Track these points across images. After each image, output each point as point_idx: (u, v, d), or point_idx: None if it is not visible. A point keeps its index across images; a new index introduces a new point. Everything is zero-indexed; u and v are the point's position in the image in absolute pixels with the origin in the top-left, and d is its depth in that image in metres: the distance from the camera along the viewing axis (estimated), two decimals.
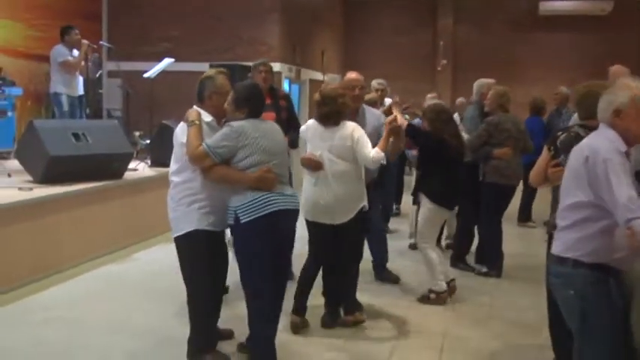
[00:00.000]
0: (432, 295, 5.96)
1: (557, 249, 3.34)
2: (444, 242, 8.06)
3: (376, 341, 5.07)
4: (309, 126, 5.22)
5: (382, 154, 4.90)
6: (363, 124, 5.27)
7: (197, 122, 4.26)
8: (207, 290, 4.42)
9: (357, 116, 5.45)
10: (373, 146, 4.93)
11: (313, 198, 5.03)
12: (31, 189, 6.67)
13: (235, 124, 4.18)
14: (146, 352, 4.74)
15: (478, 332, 5.31)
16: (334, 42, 17.79)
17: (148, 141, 9.95)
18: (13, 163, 8.20)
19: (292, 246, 4.52)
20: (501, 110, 6.87)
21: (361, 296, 5.56)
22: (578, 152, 3.29)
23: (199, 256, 4.36)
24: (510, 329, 5.41)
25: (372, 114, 5.73)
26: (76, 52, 9.16)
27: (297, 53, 14.04)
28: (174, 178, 4.44)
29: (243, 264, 4.17)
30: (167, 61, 9.77)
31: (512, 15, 18.08)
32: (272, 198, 4.10)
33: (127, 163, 8.04)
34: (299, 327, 5.13)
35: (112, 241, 7.48)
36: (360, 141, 4.94)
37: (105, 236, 7.35)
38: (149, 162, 9.31)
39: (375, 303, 5.87)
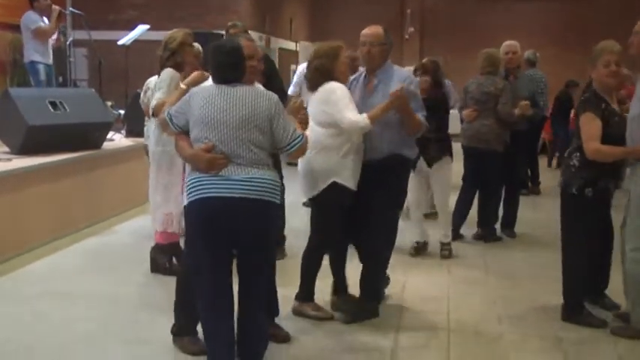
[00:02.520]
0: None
1: None
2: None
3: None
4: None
5: (367, 122, 4.30)
6: (382, 89, 4.57)
7: (184, 87, 3.97)
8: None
9: (374, 77, 4.67)
10: (388, 116, 4.44)
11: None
12: (10, 160, 6.44)
13: (193, 89, 3.78)
14: (142, 323, 4.63)
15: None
16: (302, 10, 17.62)
17: (121, 111, 9.74)
18: None
19: (249, 244, 3.60)
20: (481, 73, 6.82)
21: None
22: None
23: None
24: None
25: (399, 77, 4.63)
26: (46, 19, 8.82)
27: (267, 22, 13.84)
28: None
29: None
30: (142, 28, 9.53)
31: None
32: (204, 182, 3.47)
33: (106, 132, 7.83)
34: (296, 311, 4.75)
35: (93, 213, 7.28)
36: (336, 103, 4.34)
37: (86, 208, 7.16)
38: (124, 132, 9.09)
39: None
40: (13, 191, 6.07)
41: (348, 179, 4.47)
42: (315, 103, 4.49)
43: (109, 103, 9.88)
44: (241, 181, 3.44)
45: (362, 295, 4.80)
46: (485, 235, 6.93)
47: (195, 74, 4.15)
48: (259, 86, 3.94)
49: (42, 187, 6.46)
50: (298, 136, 3.68)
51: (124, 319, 4.67)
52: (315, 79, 4.51)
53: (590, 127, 4.37)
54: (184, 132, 3.63)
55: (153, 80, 6.00)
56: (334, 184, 4.44)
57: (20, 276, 5.61)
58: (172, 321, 4.18)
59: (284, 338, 4.26)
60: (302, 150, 3.77)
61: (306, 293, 4.73)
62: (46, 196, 6.51)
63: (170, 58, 5.25)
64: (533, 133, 8.89)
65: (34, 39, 8.66)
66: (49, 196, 6.56)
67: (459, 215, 6.96)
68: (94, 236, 6.93)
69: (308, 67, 4.61)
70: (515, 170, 7.12)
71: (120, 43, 9.52)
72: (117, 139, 8.56)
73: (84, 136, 7.32)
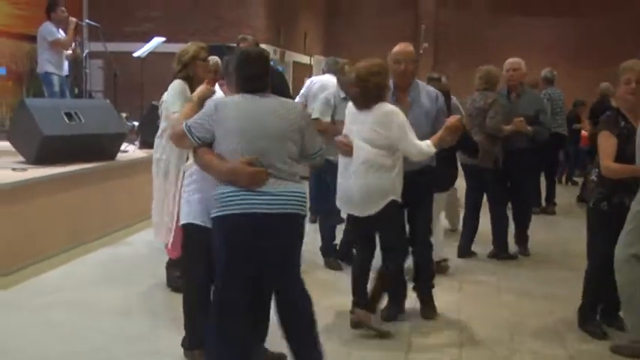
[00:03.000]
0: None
1: None
2: None
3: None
4: (349, 107, 4.69)
5: (433, 150, 4.47)
6: (416, 106, 4.77)
7: (196, 99, 3.82)
8: (198, 289, 3.78)
9: (407, 95, 4.81)
10: (422, 133, 4.53)
11: (343, 186, 4.64)
12: (25, 169, 6.48)
13: (217, 98, 3.61)
14: (154, 334, 4.64)
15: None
16: (317, 24, 17.69)
17: (136, 122, 9.80)
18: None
19: (281, 263, 3.55)
20: (476, 89, 6.79)
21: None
22: None
23: (194, 251, 3.82)
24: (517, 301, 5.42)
25: (428, 94, 4.89)
26: (62, 31, 8.89)
27: (282, 35, 13.91)
28: (189, 162, 3.85)
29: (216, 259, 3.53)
30: (157, 40, 9.59)
31: None
32: (241, 197, 3.32)
33: (120, 143, 7.88)
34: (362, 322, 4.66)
35: (106, 224, 7.32)
36: (401, 129, 4.40)
37: (99, 219, 7.19)
38: (137, 143, 9.15)
39: None
40: (28, 201, 6.11)
41: (399, 195, 4.59)
42: (368, 122, 4.47)
43: (124, 115, 9.94)
44: (281, 195, 3.36)
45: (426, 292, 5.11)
46: (497, 252, 6.90)
47: (203, 89, 3.96)
48: None
49: (56, 197, 6.50)
50: (322, 146, 3.76)
51: (135, 331, 4.68)
52: (373, 97, 4.47)
53: (606, 145, 4.51)
54: (205, 144, 3.49)
55: None
56: (392, 202, 4.52)
57: (33, 285, 5.64)
58: (183, 333, 4.18)
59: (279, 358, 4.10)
60: (322, 160, 3.84)
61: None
62: (60, 206, 6.55)
63: (182, 71, 5.21)
64: (546, 152, 8.50)
65: (49, 50, 8.71)
66: (62, 206, 6.60)
67: (465, 233, 6.94)
68: (107, 247, 6.96)
69: (364, 84, 4.48)
70: (518, 188, 6.97)
71: (135, 55, 9.59)
72: (131, 151, 8.61)
73: (98, 147, 7.37)
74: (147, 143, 8.84)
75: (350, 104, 4.68)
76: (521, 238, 7.12)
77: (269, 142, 3.39)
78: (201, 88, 3.92)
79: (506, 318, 5.16)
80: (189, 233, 3.85)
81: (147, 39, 10.43)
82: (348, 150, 4.55)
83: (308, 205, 3.56)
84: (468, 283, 6.04)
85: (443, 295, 5.61)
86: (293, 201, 3.38)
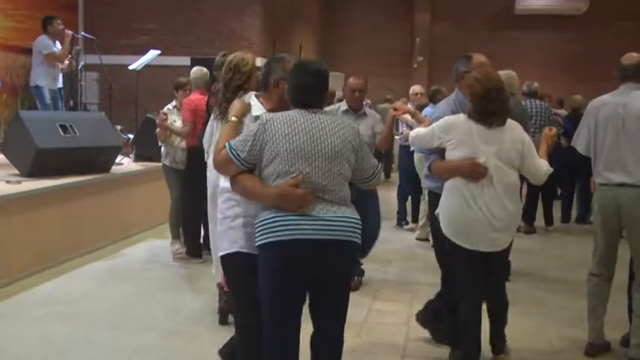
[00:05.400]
0: None
1: None
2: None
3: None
4: (455, 125, 3.96)
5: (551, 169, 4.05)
6: None
7: (235, 119, 3.26)
8: (253, 324, 3.26)
9: None
10: None
11: (472, 216, 3.89)
12: (19, 182, 6.47)
13: (266, 115, 3.14)
14: (150, 347, 4.62)
15: None
16: (312, 37, 17.74)
17: (130, 135, 9.80)
18: None
19: (328, 297, 3.19)
20: None
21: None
22: None
23: (246, 283, 3.26)
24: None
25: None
26: (58, 44, 8.88)
27: (277, 48, 13.94)
28: (221, 183, 3.36)
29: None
30: (153, 54, 9.61)
31: (488, 13, 18.27)
32: (291, 221, 3.00)
33: (115, 156, 7.87)
34: None
35: (100, 237, 7.30)
36: (530, 147, 3.97)
37: (93, 231, 7.18)
38: (132, 156, 9.14)
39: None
40: (22, 213, 6.09)
41: None
42: (507, 140, 3.92)
43: (119, 127, 9.93)
44: (335, 221, 3.05)
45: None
46: None
47: (240, 104, 3.40)
48: None
49: (50, 210, 6.48)
50: (378, 164, 3.38)
51: (129, 344, 4.65)
52: (509, 111, 3.98)
53: None
54: (249, 168, 3.14)
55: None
56: None
57: (27, 298, 5.61)
58: (176, 344, 4.15)
59: None
60: (377, 183, 3.46)
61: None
62: (54, 218, 6.53)
63: (247, 82, 4.72)
64: None
65: (43, 63, 8.67)
66: (57, 218, 6.58)
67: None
68: (101, 260, 6.93)
69: (502, 97, 3.93)
70: None
71: (130, 67, 9.60)
72: (126, 163, 8.60)
73: (93, 160, 7.36)
74: (142, 156, 8.87)
75: (467, 122, 3.94)
76: None
77: (324, 162, 3.06)
78: (240, 105, 3.38)
79: None
80: (238, 263, 3.29)
81: (142, 52, 10.46)
82: (481, 174, 3.87)
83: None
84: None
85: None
86: (344, 227, 3.07)
